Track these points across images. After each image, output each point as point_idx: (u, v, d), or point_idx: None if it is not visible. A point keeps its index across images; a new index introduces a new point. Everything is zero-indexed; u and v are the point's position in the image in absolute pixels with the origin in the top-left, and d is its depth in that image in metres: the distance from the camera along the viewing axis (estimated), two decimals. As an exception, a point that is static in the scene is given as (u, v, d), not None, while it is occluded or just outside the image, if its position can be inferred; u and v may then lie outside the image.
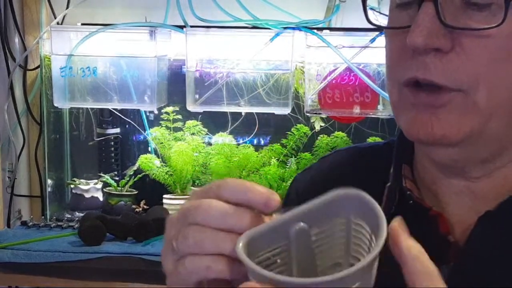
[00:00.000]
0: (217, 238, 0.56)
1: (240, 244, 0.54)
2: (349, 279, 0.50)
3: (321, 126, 1.92)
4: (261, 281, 0.51)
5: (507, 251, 0.68)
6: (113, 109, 1.95)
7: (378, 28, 0.70)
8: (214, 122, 1.97)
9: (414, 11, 0.64)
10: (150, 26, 1.83)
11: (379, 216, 0.53)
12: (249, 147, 1.91)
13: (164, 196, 1.90)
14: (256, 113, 1.92)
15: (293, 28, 1.79)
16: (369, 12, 0.71)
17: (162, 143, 1.93)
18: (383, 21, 0.72)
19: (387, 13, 0.72)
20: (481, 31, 0.62)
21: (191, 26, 1.83)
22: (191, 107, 1.86)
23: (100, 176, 1.98)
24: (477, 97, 0.64)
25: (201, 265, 0.57)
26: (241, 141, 1.97)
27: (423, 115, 0.66)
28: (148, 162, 1.91)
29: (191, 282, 0.58)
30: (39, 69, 1.95)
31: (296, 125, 1.91)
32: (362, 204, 0.54)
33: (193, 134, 1.92)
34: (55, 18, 1.96)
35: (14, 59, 1.96)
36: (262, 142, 2.00)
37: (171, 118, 1.92)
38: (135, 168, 1.95)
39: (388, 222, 0.72)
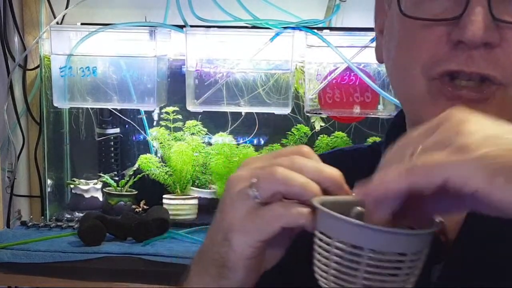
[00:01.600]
0: (307, 182, 0.58)
1: (319, 198, 0.58)
2: (420, 239, 0.54)
3: (321, 126, 1.92)
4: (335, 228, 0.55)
5: (496, 248, 0.68)
6: (113, 109, 1.95)
7: (403, 21, 0.68)
8: (214, 122, 1.96)
9: (453, 2, 0.64)
10: (150, 26, 1.83)
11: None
12: (249, 147, 1.91)
13: (164, 196, 1.90)
14: (256, 113, 1.91)
15: (293, 28, 1.79)
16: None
17: (162, 143, 1.93)
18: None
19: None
20: None
21: (191, 26, 1.83)
22: (191, 107, 1.85)
23: (100, 176, 1.97)
24: None
25: (294, 210, 0.58)
26: (241, 141, 1.97)
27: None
28: (148, 162, 1.91)
29: (273, 228, 0.58)
30: (38, 69, 1.95)
31: (296, 125, 1.91)
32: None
33: (193, 134, 1.92)
34: (54, 17, 1.96)
35: (13, 59, 1.96)
36: (262, 142, 2.00)
37: (171, 118, 1.92)
38: (134, 168, 1.95)
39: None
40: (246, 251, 0.60)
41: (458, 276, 0.68)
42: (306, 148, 0.62)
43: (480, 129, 0.51)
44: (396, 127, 0.78)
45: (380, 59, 0.77)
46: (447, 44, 0.65)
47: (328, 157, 0.89)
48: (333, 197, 0.59)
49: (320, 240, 0.57)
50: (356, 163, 0.81)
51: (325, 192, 0.59)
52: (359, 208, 0.57)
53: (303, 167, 0.59)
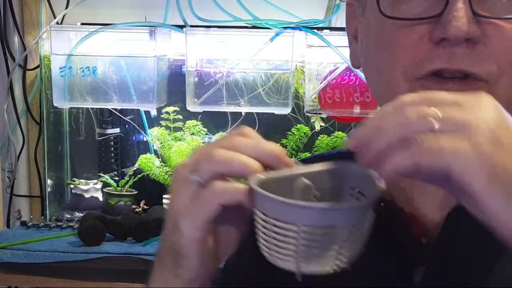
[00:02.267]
0: (245, 159, 0.60)
1: (258, 177, 0.59)
2: (345, 213, 0.56)
3: (321, 126, 1.92)
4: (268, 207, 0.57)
5: (478, 248, 0.67)
6: (113, 109, 1.95)
7: (383, 22, 0.67)
8: (214, 122, 1.96)
9: (433, 0, 0.64)
10: (150, 26, 1.83)
11: (376, 180, 0.57)
12: (249, 147, 1.91)
13: (164, 196, 1.90)
14: (256, 113, 1.91)
15: (293, 28, 1.79)
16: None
17: (162, 143, 1.93)
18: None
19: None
20: (506, 21, 0.63)
21: (191, 26, 1.83)
22: (191, 107, 1.85)
23: (100, 176, 1.97)
24: (499, 88, 0.64)
25: (231, 187, 0.59)
26: (241, 141, 1.96)
27: None
28: (148, 162, 1.91)
29: (213, 207, 0.60)
30: (38, 69, 1.95)
31: (296, 125, 1.91)
32: (363, 176, 0.58)
33: (193, 134, 1.92)
34: (54, 17, 1.96)
35: (13, 59, 1.96)
36: (262, 142, 1.99)
37: (171, 118, 1.92)
38: (134, 168, 1.95)
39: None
40: (194, 234, 0.61)
41: (439, 278, 0.68)
42: (246, 129, 0.63)
43: (494, 120, 0.51)
44: None
45: (356, 65, 0.77)
46: (429, 43, 0.64)
47: (309, 161, 0.89)
48: (276, 172, 0.61)
49: (258, 217, 0.59)
50: None
51: (269, 168, 0.61)
52: (304, 179, 0.59)
53: (242, 146, 0.61)
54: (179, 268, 0.64)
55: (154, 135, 1.95)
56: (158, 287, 0.67)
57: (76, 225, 1.82)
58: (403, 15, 0.66)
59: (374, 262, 0.71)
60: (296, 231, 0.56)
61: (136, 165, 1.94)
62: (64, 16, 1.96)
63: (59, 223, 1.86)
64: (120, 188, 1.94)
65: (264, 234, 0.59)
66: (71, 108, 1.97)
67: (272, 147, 0.62)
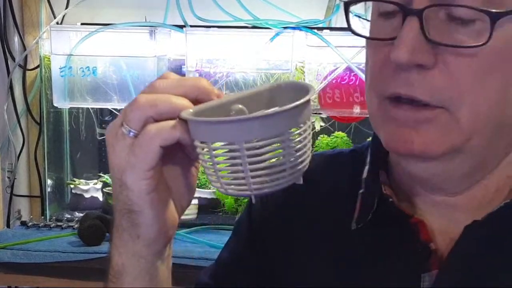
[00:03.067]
0: (170, 97, 0.60)
1: (190, 110, 0.59)
2: (273, 120, 0.55)
3: (321, 126, 1.92)
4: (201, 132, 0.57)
5: (493, 261, 0.67)
6: (113, 109, 1.95)
7: (366, 39, 0.68)
8: (214, 122, 1.96)
9: (398, 22, 0.62)
10: (150, 26, 1.83)
11: (308, 87, 0.59)
12: (249, 147, 1.91)
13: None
14: (256, 113, 1.91)
15: (293, 28, 1.79)
16: (355, 20, 0.70)
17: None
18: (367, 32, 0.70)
19: None
20: (465, 49, 0.61)
21: (191, 26, 1.83)
22: (191, 107, 1.85)
23: (100, 176, 1.97)
24: (460, 115, 0.62)
25: (166, 125, 0.59)
26: (241, 141, 1.96)
27: (403, 130, 0.64)
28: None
29: (153, 151, 0.59)
30: (38, 69, 1.95)
31: (296, 125, 1.90)
32: (297, 90, 0.59)
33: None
34: (54, 18, 1.96)
35: (13, 59, 1.96)
36: (262, 142, 1.99)
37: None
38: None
39: (365, 229, 0.73)
40: (141, 185, 0.61)
41: (449, 285, 0.67)
42: (167, 73, 0.64)
43: None
44: None
45: None
46: (389, 66, 0.64)
47: (312, 160, 0.89)
48: (207, 103, 0.61)
49: (200, 148, 0.58)
50: (336, 168, 0.81)
51: (199, 101, 0.61)
52: (239, 105, 0.60)
53: (164, 87, 0.61)
54: (137, 228, 0.63)
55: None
56: (120, 254, 0.66)
57: (76, 225, 1.82)
58: (377, 34, 0.66)
59: (382, 267, 0.71)
60: (238, 149, 0.55)
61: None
62: (64, 16, 1.95)
63: (59, 223, 1.86)
64: (120, 188, 1.94)
65: (210, 164, 0.58)
66: (71, 108, 1.97)
67: (196, 80, 0.62)
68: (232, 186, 0.58)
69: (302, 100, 0.56)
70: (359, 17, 0.70)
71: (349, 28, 0.68)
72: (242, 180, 0.57)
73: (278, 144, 0.56)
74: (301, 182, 0.60)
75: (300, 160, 0.58)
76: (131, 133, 0.60)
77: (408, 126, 0.64)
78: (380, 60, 0.65)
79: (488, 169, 0.69)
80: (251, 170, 0.56)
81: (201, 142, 0.58)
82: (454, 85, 0.62)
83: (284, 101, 0.58)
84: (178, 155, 0.62)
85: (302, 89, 0.59)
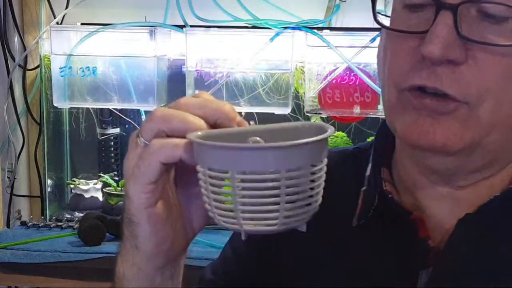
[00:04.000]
0: (186, 116, 0.59)
1: (198, 133, 0.56)
2: (286, 154, 0.51)
3: (321, 126, 1.91)
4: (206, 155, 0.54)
5: (487, 254, 0.67)
6: (113, 109, 1.95)
7: (387, 30, 0.68)
8: (214, 122, 1.96)
9: (428, 16, 0.63)
10: (150, 26, 1.83)
11: (327, 129, 0.55)
12: (249, 147, 1.91)
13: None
14: (256, 113, 1.91)
15: (293, 28, 1.79)
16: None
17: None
18: (388, 24, 0.70)
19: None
20: (496, 47, 0.61)
21: (191, 26, 1.83)
22: (191, 107, 1.85)
23: (100, 176, 1.97)
24: (481, 111, 0.63)
25: (169, 142, 0.59)
26: (241, 141, 1.96)
27: (425, 120, 0.64)
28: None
29: (154, 166, 0.59)
30: (38, 69, 1.95)
31: (296, 125, 1.90)
32: (319, 131, 0.56)
33: (193, 134, 1.91)
34: (54, 17, 1.96)
35: (13, 59, 1.96)
36: (262, 142, 1.99)
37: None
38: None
39: (366, 225, 0.72)
40: (140, 198, 0.60)
41: (445, 282, 0.68)
42: (202, 92, 0.63)
43: None
44: (386, 128, 0.78)
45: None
46: (415, 57, 0.64)
47: None
48: (221, 130, 0.58)
49: (199, 172, 0.56)
50: (340, 165, 0.81)
51: (218, 126, 0.60)
52: (256, 138, 0.56)
53: (186, 104, 0.60)
54: (135, 239, 0.63)
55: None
56: (122, 262, 0.66)
57: (76, 225, 1.82)
58: (401, 26, 0.66)
59: (380, 264, 0.71)
60: (231, 177, 0.52)
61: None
62: (64, 16, 1.95)
63: (59, 223, 1.86)
64: (120, 188, 1.94)
65: (206, 190, 0.55)
66: (71, 108, 1.97)
67: (220, 104, 0.61)
68: (223, 214, 0.55)
69: (315, 139, 0.53)
70: (379, 13, 0.69)
71: (375, 20, 0.68)
72: (233, 212, 0.54)
73: (273, 182, 0.52)
74: (304, 229, 0.56)
75: (301, 203, 0.54)
76: (144, 143, 0.60)
77: (429, 116, 0.64)
78: (403, 51, 0.65)
79: (497, 167, 0.69)
80: (243, 204, 0.53)
81: (199, 165, 0.56)
82: (481, 81, 0.62)
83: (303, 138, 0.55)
84: (194, 177, 0.61)
85: (321, 129, 0.56)
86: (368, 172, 0.76)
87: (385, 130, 0.76)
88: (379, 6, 0.70)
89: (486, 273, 0.67)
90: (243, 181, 0.52)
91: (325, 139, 0.54)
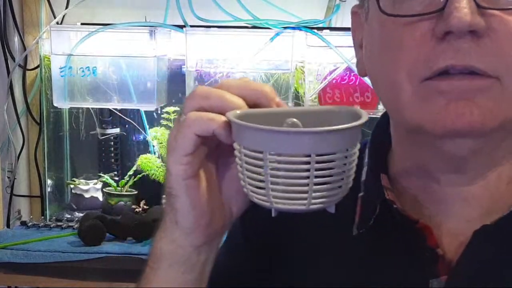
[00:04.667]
0: (224, 93, 0.61)
1: (236, 112, 0.58)
2: (317, 138, 0.53)
3: (321, 126, 1.91)
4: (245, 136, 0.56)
5: (503, 267, 0.66)
6: (113, 109, 1.95)
7: (384, 22, 0.65)
8: (214, 122, 1.96)
9: None
10: (150, 26, 1.83)
11: (362, 114, 0.57)
12: (249, 147, 1.90)
13: (164, 196, 1.89)
14: (256, 113, 1.91)
15: (293, 28, 1.79)
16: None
17: (162, 143, 1.93)
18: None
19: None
20: None
21: (191, 26, 1.83)
22: (191, 107, 1.85)
23: (100, 176, 1.97)
24: (510, 85, 0.61)
25: (205, 116, 0.60)
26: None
27: (459, 102, 0.61)
28: (148, 162, 1.91)
29: (189, 137, 0.60)
30: (38, 69, 1.95)
31: (296, 125, 1.90)
32: (351, 116, 0.57)
33: (193, 134, 1.91)
34: (54, 17, 1.96)
35: (13, 59, 1.96)
36: (262, 142, 1.99)
37: (171, 118, 1.91)
38: (134, 168, 1.95)
39: (367, 234, 0.71)
40: (178, 170, 0.62)
41: None
42: (243, 78, 0.65)
43: None
44: (380, 128, 0.77)
45: (362, 73, 0.74)
46: (432, 40, 0.61)
47: None
48: (259, 109, 0.60)
49: (236, 150, 0.58)
50: None
51: (258, 106, 0.61)
52: (293, 119, 0.58)
53: (229, 85, 0.62)
54: (175, 213, 0.64)
55: (154, 135, 1.94)
56: (161, 238, 0.66)
57: (76, 225, 1.82)
58: (404, 13, 0.63)
59: (387, 273, 0.70)
60: (263, 158, 0.54)
61: (136, 165, 1.94)
62: (64, 16, 1.95)
63: (59, 223, 1.86)
64: (120, 188, 1.94)
65: (241, 167, 0.58)
66: (71, 108, 1.97)
67: (260, 85, 0.62)
68: (255, 191, 0.57)
69: (349, 126, 0.54)
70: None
71: (380, 10, 0.64)
72: (264, 190, 0.56)
73: (309, 164, 0.54)
74: (332, 211, 0.58)
75: (331, 186, 0.55)
76: (182, 118, 0.62)
77: (462, 97, 0.61)
78: (415, 39, 0.62)
79: (502, 149, 0.67)
80: (274, 184, 0.55)
81: (237, 143, 0.58)
82: (505, 53, 0.61)
83: (339, 122, 0.56)
84: (232, 158, 0.61)
85: (357, 114, 0.57)
86: (363, 177, 0.74)
87: (380, 134, 0.75)
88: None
89: (503, 286, 0.66)
90: (276, 162, 0.54)
91: (359, 125, 0.56)
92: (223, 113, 0.60)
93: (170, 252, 0.66)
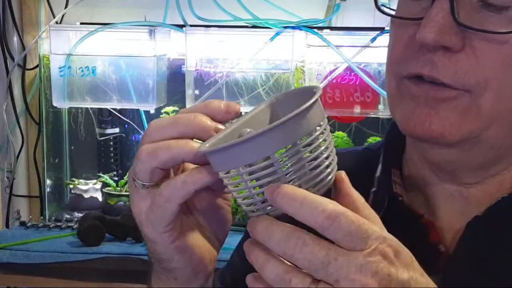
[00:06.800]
0: (169, 144, 0.58)
1: (206, 145, 0.57)
2: (274, 135, 0.51)
3: (321, 126, 1.91)
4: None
5: (496, 257, 0.66)
6: (112, 109, 1.94)
7: (392, 20, 0.68)
8: (214, 122, 1.95)
9: (427, 3, 0.62)
10: (150, 26, 1.82)
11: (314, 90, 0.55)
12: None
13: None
14: (256, 113, 1.91)
15: (293, 28, 1.79)
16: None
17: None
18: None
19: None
20: (495, 35, 0.60)
21: (191, 26, 1.82)
22: (190, 107, 1.85)
23: (99, 176, 1.97)
24: (482, 101, 0.62)
25: (176, 183, 0.58)
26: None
27: (422, 109, 0.63)
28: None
29: (170, 210, 0.58)
30: (37, 68, 1.94)
31: (296, 125, 1.90)
32: (300, 95, 0.56)
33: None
34: (54, 17, 1.95)
35: (12, 59, 1.96)
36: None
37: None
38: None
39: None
40: (163, 238, 0.61)
41: (459, 286, 0.67)
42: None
43: None
44: (396, 127, 0.78)
45: None
46: (414, 45, 0.63)
47: None
48: (222, 132, 0.58)
49: (222, 179, 0.57)
50: (348, 166, 0.80)
51: (199, 139, 0.59)
52: (248, 129, 0.57)
53: (160, 131, 0.59)
54: (171, 272, 0.64)
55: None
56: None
57: (75, 226, 1.81)
58: (403, 14, 0.66)
59: None
60: (239, 173, 0.53)
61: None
62: (63, 15, 1.95)
63: (58, 224, 1.86)
64: (119, 188, 1.94)
65: (231, 193, 0.57)
66: (70, 108, 1.96)
67: (188, 118, 0.59)
68: (249, 209, 0.56)
69: (301, 109, 0.51)
70: (383, 5, 0.68)
71: (376, 7, 0.67)
72: (254, 205, 0.55)
73: (276, 163, 0.52)
74: (330, 196, 0.57)
75: (309, 175, 0.53)
76: (142, 185, 0.60)
77: (427, 105, 0.63)
78: (403, 40, 0.65)
79: (503, 164, 0.68)
80: (258, 195, 0.54)
81: (226, 173, 0.55)
82: (479, 70, 0.61)
83: (288, 112, 0.53)
84: (203, 193, 0.61)
85: (305, 93, 0.56)
86: (378, 173, 0.75)
87: (396, 129, 0.76)
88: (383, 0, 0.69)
89: (497, 276, 0.66)
90: (251, 173, 0.53)
91: (311, 104, 0.53)
92: (178, 164, 0.59)
93: None
